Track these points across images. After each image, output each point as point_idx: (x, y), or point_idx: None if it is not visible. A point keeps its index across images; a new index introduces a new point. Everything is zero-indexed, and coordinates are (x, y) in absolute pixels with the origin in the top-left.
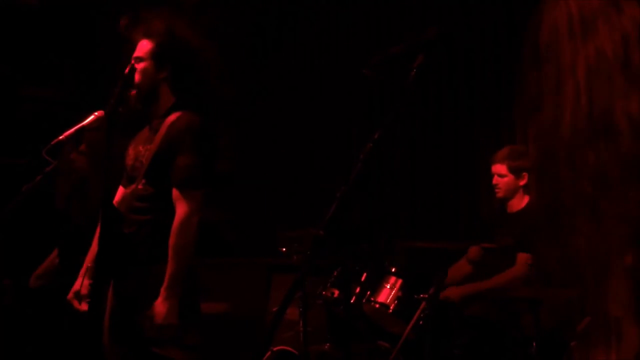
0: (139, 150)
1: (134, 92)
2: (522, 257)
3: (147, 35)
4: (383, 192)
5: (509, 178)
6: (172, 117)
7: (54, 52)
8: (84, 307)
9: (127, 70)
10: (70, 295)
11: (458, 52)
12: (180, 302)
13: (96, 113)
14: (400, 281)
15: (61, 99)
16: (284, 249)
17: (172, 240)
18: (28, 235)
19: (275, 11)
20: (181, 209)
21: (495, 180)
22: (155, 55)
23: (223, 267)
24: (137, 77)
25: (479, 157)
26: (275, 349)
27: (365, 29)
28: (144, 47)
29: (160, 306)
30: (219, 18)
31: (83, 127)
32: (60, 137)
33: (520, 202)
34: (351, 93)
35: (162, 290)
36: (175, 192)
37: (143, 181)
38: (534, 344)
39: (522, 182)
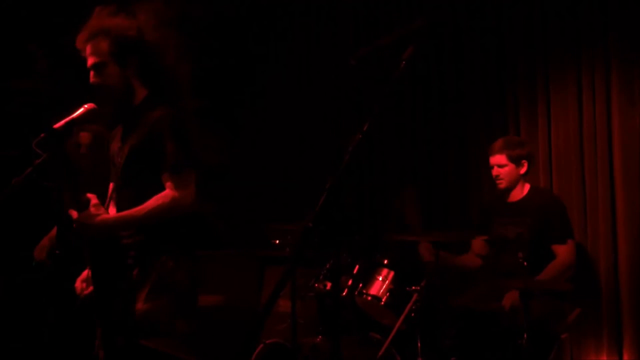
0: (123, 148)
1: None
2: (563, 248)
3: (99, 36)
4: (374, 184)
5: (510, 167)
6: (149, 114)
7: (42, 44)
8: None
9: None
10: (79, 284)
11: (447, 42)
12: (177, 294)
13: (86, 105)
14: (392, 273)
15: (50, 92)
16: (277, 241)
17: (156, 202)
18: (17, 229)
19: (263, 1)
20: (177, 190)
21: (496, 171)
22: (114, 54)
23: (216, 259)
24: (106, 80)
25: (470, 148)
26: (267, 341)
27: (354, 19)
28: (98, 49)
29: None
30: (204, 8)
31: (73, 120)
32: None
33: (521, 190)
34: (340, 85)
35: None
36: (167, 179)
37: (120, 175)
38: (525, 335)
39: (523, 170)
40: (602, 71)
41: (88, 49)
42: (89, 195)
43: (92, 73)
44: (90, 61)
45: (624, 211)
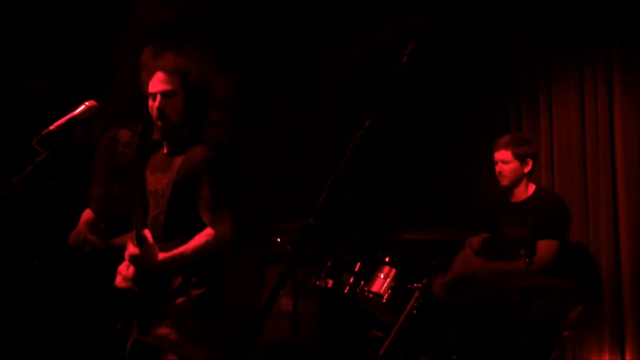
0: (160, 178)
1: (161, 125)
2: (545, 244)
3: (176, 72)
4: (375, 182)
5: (514, 164)
6: (191, 150)
7: (43, 42)
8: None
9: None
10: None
11: (449, 39)
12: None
13: (87, 103)
14: (393, 271)
15: (51, 90)
16: (279, 240)
17: (202, 242)
18: (20, 226)
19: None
20: (217, 227)
21: (500, 167)
22: (186, 90)
23: None
24: (170, 109)
25: (472, 146)
26: (268, 339)
27: (354, 15)
28: (172, 81)
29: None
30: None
31: (74, 117)
32: (51, 127)
33: (525, 190)
34: (342, 81)
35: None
36: (207, 216)
37: (166, 207)
38: (527, 333)
39: (527, 169)
40: (604, 69)
41: (162, 75)
42: (146, 231)
43: (158, 98)
44: (162, 87)
45: (626, 209)
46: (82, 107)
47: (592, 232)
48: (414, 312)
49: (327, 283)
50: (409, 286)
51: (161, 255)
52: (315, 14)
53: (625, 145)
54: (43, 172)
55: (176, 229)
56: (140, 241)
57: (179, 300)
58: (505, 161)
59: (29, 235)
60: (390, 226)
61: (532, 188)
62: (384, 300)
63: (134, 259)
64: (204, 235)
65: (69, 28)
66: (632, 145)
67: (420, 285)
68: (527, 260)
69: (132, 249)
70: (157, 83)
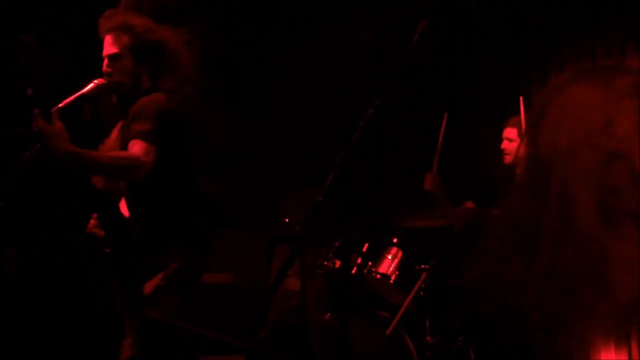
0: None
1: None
2: None
3: (121, 30)
4: (384, 163)
5: (518, 143)
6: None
7: (50, 20)
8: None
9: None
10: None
11: (461, 25)
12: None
13: (95, 81)
14: (401, 252)
15: (59, 68)
16: (287, 220)
17: (120, 154)
18: (31, 203)
19: None
20: (138, 149)
21: (504, 144)
22: (134, 50)
23: (225, 238)
24: (117, 72)
25: (482, 132)
26: (275, 320)
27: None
28: (119, 42)
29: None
30: None
31: (83, 95)
32: (60, 105)
33: None
34: (351, 60)
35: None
36: (134, 144)
37: None
38: (534, 316)
39: None
40: (618, 51)
41: (108, 38)
42: (59, 124)
43: (105, 62)
44: (108, 51)
45: None
46: (91, 85)
47: None
48: (421, 293)
49: (334, 263)
50: (417, 268)
51: (70, 145)
52: (316, 14)
53: None
54: None
55: (145, 193)
56: (47, 116)
57: (157, 277)
58: (510, 139)
59: (39, 213)
60: (398, 209)
61: None
62: (391, 282)
63: (39, 130)
64: (126, 152)
65: (69, 26)
66: None
67: (427, 267)
68: None
69: (41, 122)
70: (105, 46)
